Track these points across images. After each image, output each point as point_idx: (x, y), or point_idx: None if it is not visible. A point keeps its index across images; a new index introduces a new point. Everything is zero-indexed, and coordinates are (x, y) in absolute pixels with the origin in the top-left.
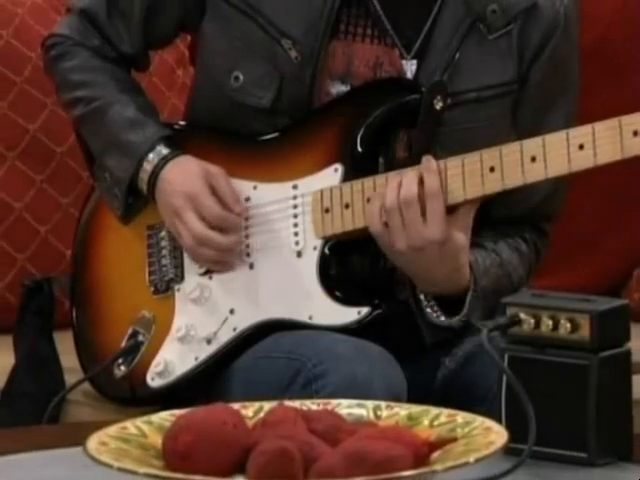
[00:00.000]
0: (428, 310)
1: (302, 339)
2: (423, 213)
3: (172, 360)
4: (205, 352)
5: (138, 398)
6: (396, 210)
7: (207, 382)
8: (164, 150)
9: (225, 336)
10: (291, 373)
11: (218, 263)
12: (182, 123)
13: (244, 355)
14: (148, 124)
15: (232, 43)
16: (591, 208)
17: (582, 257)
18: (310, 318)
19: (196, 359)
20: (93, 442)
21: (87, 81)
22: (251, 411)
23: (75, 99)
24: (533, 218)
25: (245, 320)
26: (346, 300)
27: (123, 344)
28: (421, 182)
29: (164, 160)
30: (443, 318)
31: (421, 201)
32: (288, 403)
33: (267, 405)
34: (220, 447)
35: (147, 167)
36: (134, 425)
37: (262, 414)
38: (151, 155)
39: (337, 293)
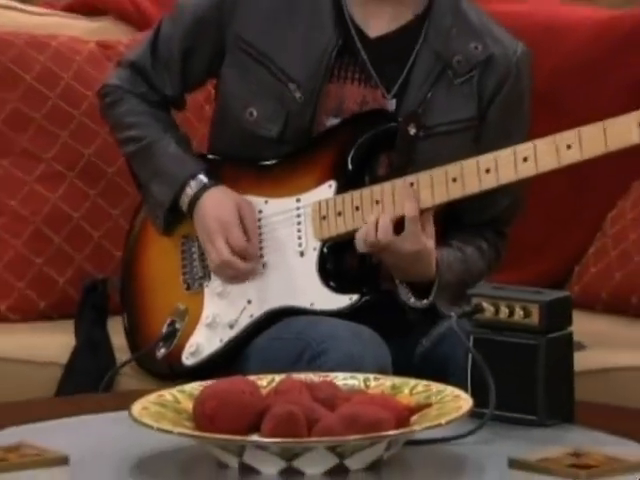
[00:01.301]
0: (402, 294)
1: (307, 323)
2: (398, 232)
3: (202, 342)
4: (228, 335)
5: (175, 374)
6: (376, 245)
7: (230, 359)
8: (204, 179)
9: (244, 322)
10: (299, 351)
11: (235, 280)
12: (211, 156)
13: (260, 337)
14: (185, 158)
15: (248, 85)
16: (540, 217)
17: (533, 257)
18: (312, 305)
19: (221, 341)
20: (136, 407)
21: (136, 123)
22: (265, 382)
23: (127, 138)
24: (495, 224)
25: (260, 308)
26: (340, 289)
27: (163, 331)
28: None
29: (204, 188)
30: (413, 300)
31: (396, 224)
32: (295, 375)
33: (278, 377)
34: (239, 411)
35: (189, 192)
36: (170, 393)
37: (274, 384)
38: (193, 183)
39: (332, 284)
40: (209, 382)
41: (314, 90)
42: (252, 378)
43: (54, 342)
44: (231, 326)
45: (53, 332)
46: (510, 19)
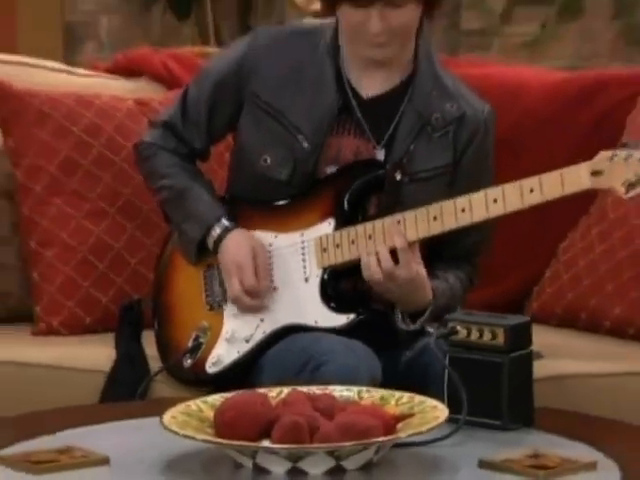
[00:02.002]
0: (397, 320)
1: (311, 339)
2: (396, 261)
3: (222, 354)
4: (244, 348)
5: (199, 381)
6: (383, 279)
7: (246, 369)
8: (227, 223)
9: (258, 337)
10: (303, 362)
11: (247, 311)
12: (230, 198)
13: (271, 349)
14: (211, 203)
15: (262, 136)
16: (506, 246)
17: (500, 279)
18: (315, 322)
19: (238, 353)
20: (166, 417)
21: (168, 174)
22: (274, 393)
23: (160, 187)
24: (468, 255)
25: (271, 325)
26: (339, 309)
27: (189, 344)
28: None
29: (226, 231)
30: (406, 325)
31: (393, 256)
32: (299, 388)
33: (285, 389)
34: (253, 420)
35: (214, 233)
36: (194, 404)
37: (282, 395)
38: (217, 226)
39: (332, 305)
40: (228, 394)
41: (319, 142)
42: (263, 391)
43: (98, 352)
44: (247, 340)
45: (97, 344)
46: (478, 80)
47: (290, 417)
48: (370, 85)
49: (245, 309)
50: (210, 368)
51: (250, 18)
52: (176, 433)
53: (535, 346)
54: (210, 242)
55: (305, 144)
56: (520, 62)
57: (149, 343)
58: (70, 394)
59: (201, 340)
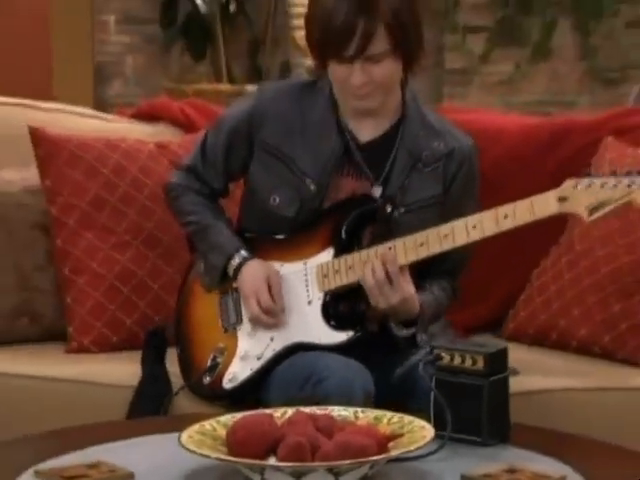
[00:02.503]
0: (394, 329)
1: (313, 357)
2: (390, 282)
3: (237, 372)
4: (256, 365)
5: (217, 396)
6: (375, 286)
7: (258, 384)
8: (244, 253)
9: (268, 355)
10: (306, 377)
11: (265, 328)
12: (246, 235)
13: (280, 366)
14: (231, 237)
15: (272, 178)
16: (484, 272)
17: (479, 302)
18: (319, 340)
19: (251, 370)
20: (184, 436)
21: (194, 211)
22: (279, 413)
23: (188, 222)
24: (452, 271)
25: (280, 344)
26: (339, 328)
27: (208, 364)
28: (384, 264)
29: (245, 260)
30: (402, 331)
31: (387, 276)
32: (302, 409)
33: (289, 410)
34: (261, 439)
35: (234, 263)
36: (209, 423)
37: (287, 415)
38: (237, 256)
39: (333, 324)
40: (238, 415)
41: (324, 183)
42: (270, 411)
43: (123, 369)
44: (258, 358)
45: (123, 361)
46: (461, 125)
47: (294, 438)
48: (365, 131)
49: (263, 326)
50: (227, 384)
51: (258, 58)
52: (193, 452)
53: (511, 363)
54: (230, 270)
55: (312, 186)
56: (498, 97)
57: (172, 362)
58: (98, 407)
59: (218, 360)
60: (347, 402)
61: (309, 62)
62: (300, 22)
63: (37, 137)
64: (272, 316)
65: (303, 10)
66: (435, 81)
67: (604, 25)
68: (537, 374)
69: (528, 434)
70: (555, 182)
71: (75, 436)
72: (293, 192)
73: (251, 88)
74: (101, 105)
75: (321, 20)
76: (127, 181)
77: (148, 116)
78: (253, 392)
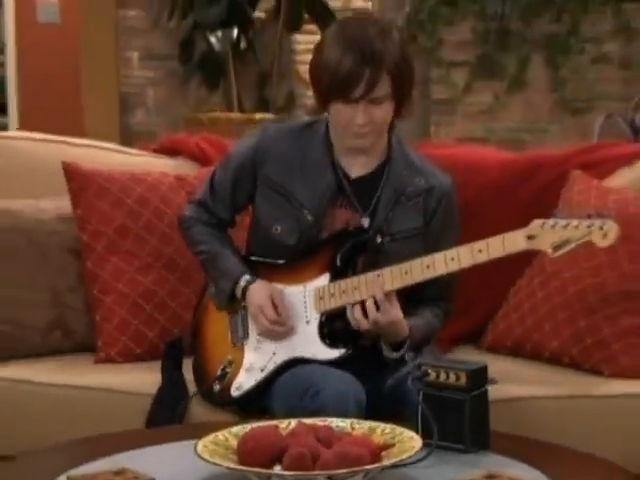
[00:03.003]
0: (385, 350)
1: (311, 370)
2: (378, 309)
3: (243, 381)
4: (260, 376)
5: (225, 402)
6: (367, 325)
7: (261, 393)
8: (248, 277)
9: (270, 367)
10: (306, 388)
11: (274, 338)
12: (252, 258)
13: (281, 377)
14: (237, 263)
15: (274, 210)
16: (468, 291)
17: (462, 316)
18: (314, 355)
19: (255, 380)
20: (199, 446)
21: (203, 241)
22: (284, 424)
23: (199, 251)
24: (441, 296)
25: (281, 357)
26: (333, 345)
27: (218, 373)
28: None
29: (249, 283)
30: (392, 354)
31: (376, 306)
32: (303, 421)
33: (293, 422)
34: (267, 449)
35: (241, 284)
36: (221, 434)
37: (291, 427)
38: (242, 279)
39: (328, 341)
40: (248, 427)
41: (320, 214)
42: (276, 423)
43: (145, 378)
44: (262, 370)
45: (145, 371)
46: (445, 158)
47: (297, 448)
48: (356, 168)
49: (272, 338)
50: (234, 392)
51: (266, 89)
52: (207, 461)
53: (490, 373)
54: (238, 292)
55: (309, 217)
56: (479, 125)
57: (188, 370)
58: (123, 411)
59: (227, 370)
60: (341, 411)
61: (310, 92)
62: (302, 57)
63: (70, 171)
64: (280, 326)
65: (305, 47)
66: (423, 110)
67: (572, 61)
68: (514, 383)
69: (506, 442)
70: (529, 210)
71: (103, 444)
72: (293, 222)
73: (259, 116)
74: (126, 132)
75: (328, 68)
76: (149, 211)
77: (168, 150)
78: (258, 400)
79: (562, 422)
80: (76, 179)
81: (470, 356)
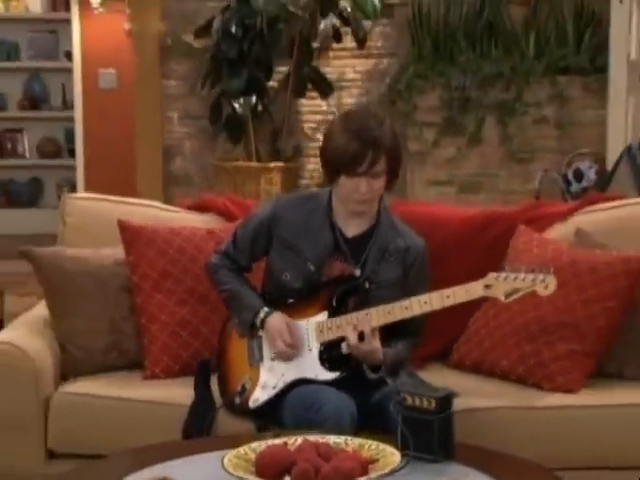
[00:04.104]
0: (367, 372)
1: (314, 389)
2: (361, 339)
3: (259, 396)
4: (272, 392)
5: (245, 412)
6: (353, 347)
7: (274, 406)
8: (267, 309)
9: (280, 385)
10: (309, 403)
11: (287, 359)
12: (267, 297)
13: (289, 393)
14: (256, 298)
15: (284, 261)
16: (438, 321)
17: (434, 339)
18: (316, 376)
19: (269, 395)
20: (226, 459)
21: (227, 282)
22: (292, 440)
23: (223, 290)
24: (412, 331)
25: (289, 377)
26: (331, 369)
27: (238, 389)
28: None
29: (267, 314)
30: (372, 375)
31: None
32: (307, 437)
33: (299, 439)
34: (280, 463)
35: (261, 315)
36: (243, 449)
37: (298, 442)
38: (261, 312)
39: (327, 365)
40: (264, 444)
41: (320, 265)
42: (285, 439)
43: (181, 391)
44: (274, 387)
45: (181, 386)
46: (421, 214)
47: (302, 464)
48: (350, 229)
49: (284, 358)
50: (251, 405)
51: (278, 143)
52: (231, 474)
53: (454, 387)
54: (257, 322)
55: (312, 267)
56: (445, 172)
57: (215, 385)
58: (163, 419)
59: (246, 387)
60: (338, 422)
61: (313, 145)
62: (306, 117)
63: (123, 226)
64: (292, 349)
65: (309, 109)
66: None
67: (517, 121)
68: (474, 396)
69: (467, 452)
70: (485, 257)
71: (147, 454)
72: (299, 271)
73: (273, 164)
74: (167, 175)
75: (338, 151)
76: (185, 258)
77: (201, 208)
78: (271, 411)
79: (510, 428)
80: (128, 233)
81: (439, 372)
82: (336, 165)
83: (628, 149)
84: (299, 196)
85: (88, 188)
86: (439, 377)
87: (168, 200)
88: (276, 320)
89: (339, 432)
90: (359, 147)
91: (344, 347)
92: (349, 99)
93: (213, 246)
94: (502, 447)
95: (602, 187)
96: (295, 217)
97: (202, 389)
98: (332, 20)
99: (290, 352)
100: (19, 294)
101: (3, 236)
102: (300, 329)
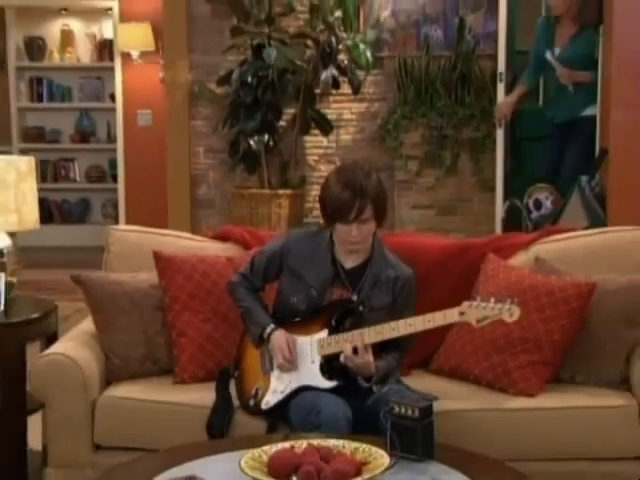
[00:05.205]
0: (360, 381)
1: (315, 395)
2: (355, 352)
3: (270, 399)
4: (281, 397)
5: (258, 413)
6: (350, 362)
7: (282, 407)
8: (272, 326)
9: (287, 391)
10: (310, 408)
11: (287, 371)
12: (278, 316)
13: (295, 398)
14: (265, 316)
15: (291, 287)
16: (423, 336)
17: (417, 349)
18: (317, 384)
19: (278, 399)
20: (242, 461)
21: (243, 299)
22: (298, 444)
23: (239, 306)
24: (401, 347)
25: (294, 385)
26: (330, 378)
27: (252, 393)
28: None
29: (272, 330)
30: (365, 383)
31: (355, 349)
32: (311, 442)
33: (305, 442)
34: (288, 465)
35: (267, 331)
36: (257, 452)
37: (303, 446)
38: (268, 327)
39: (327, 375)
40: (274, 447)
41: (322, 292)
42: (292, 443)
43: (205, 395)
44: (282, 392)
45: (205, 390)
46: (407, 244)
47: (307, 467)
48: (348, 262)
49: (285, 371)
50: (264, 406)
51: (287, 173)
52: (247, 474)
53: (433, 391)
54: (265, 336)
55: (315, 293)
56: (426, 198)
57: (233, 389)
58: (190, 418)
59: (259, 391)
60: (335, 425)
61: (316, 174)
62: (310, 151)
63: (157, 255)
64: (290, 363)
65: (312, 144)
66: (389, 188)
67: (487, 156)
68: (451, 399)
69: (445, 453)
70: (459, 281)
71: (177, 454)
72: (304, 296)
73: (282, 191)
74: (194, 199)
75: (331, 201)
76: (209, 282)
77: (222, 238)
78: (279, 412)
79: (480, 426)
80: (161, 261)
81: (421, 377)
82: (331, 214)
83: (578, 183)
84: (307, 232)
85: (127, 208)
86: (421, 382)
87: (194, 219)
88: (278, 337)
89: (335, 431)
90: (348, 198)
91: (342, 358)
92: (346, 136)
93: (232, 271)
94: (473, 442)
95: (556, 215)
96: (302, 250)
97: (222, 393)
98: (332, 71)
99: (287, 366)
100: (70, 299)
101: (57, 247)
102: (304, 345)
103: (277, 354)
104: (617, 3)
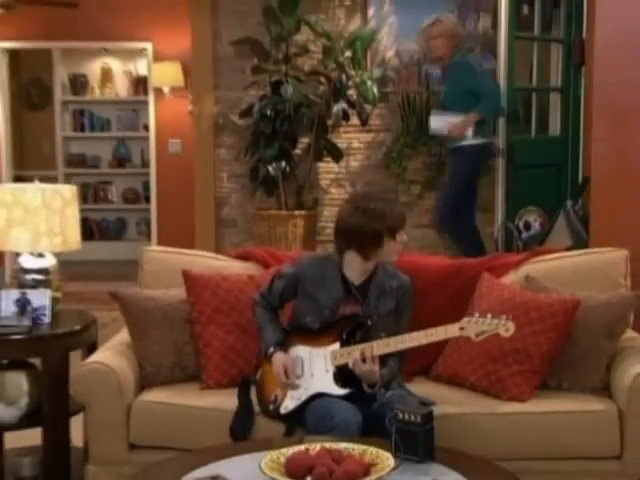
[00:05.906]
0: (365, 387)
1: (329, 402)
2: (364, 360)
3: (288, 405)
4: (297, 403)
5: (277, 417)
6: (358, 370)
7: (299, 412)
8: (273, 349)
9: (304, 397)
10: (324, 413)
11: (289, 388)
12: (291, 328)
13: (310, 404)
14: (272, 336)
15: (306, 307)
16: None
17: (415, 356)
18: (331, 392)
19: (295, 405)
20: (262, 463)
21: (259, 317)
22: (312, 447)
23: (256, 322)
24: (400, 355)
25: (310, 392)
26: (342, 386)
27: (272, 399)
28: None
29: (273, 353)
30: (370, 389)
31: (364, 359)
32: (324, 445)
33: (319, 445)
34: (303, 467)
35: (269, 352)
36: (275, 454)
37: (317, 448)
38: (270, 347)
39: (340, 384)
40: (291, 450)
41: (334, 311)
42: (307, 446)
43: (229, 401)
44: (299, 399)
45: (228, 396)
46: (408, 262)
47: (320, 468)
48: (356, 279)
49: (289, 389)
50: (282, 411)
51: (302, 196)
52: (265, 474)
53: (433, 396)
54: (268, 355)
55: (328, 312)
56: (427, 217)
57: (254, 395)
58: (214, 422)
59: (278, 397)
60: (347, 429)
61: (327, 197)
62: (323, 176)
63: (185, 274)
64: (289, 385)
65: (324, 170)
66: None
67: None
68: (449, 404)
69: (445, 455)
70: (456, 298)
71: (202, 455)
72: (317, 316)
73: (297, 212)
74: (218, 220)
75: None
76: (232, 298)
77: (243, 257)
78: (297, 416)
79: (476, 429)
80: (190, 279)
81: (422, 384)
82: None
83: (564, 206)
84: (318, 256)
85: (159, 226)
86: (422, 388)
87: (218, 236)
88: (276, 360)
89: (347, 434)
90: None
91: (350, 363)
92: (355, 163)
93: (253, 288)
94: (470, 443)
95: (544, 236)
96: (315, 273)
97: (244, 398)
98: (342, 105)
99: (287, 387)
100: (108, 309)
101: (97, 262)
102: (319, 356)
103: (278, 375)
104: (597, 47)
